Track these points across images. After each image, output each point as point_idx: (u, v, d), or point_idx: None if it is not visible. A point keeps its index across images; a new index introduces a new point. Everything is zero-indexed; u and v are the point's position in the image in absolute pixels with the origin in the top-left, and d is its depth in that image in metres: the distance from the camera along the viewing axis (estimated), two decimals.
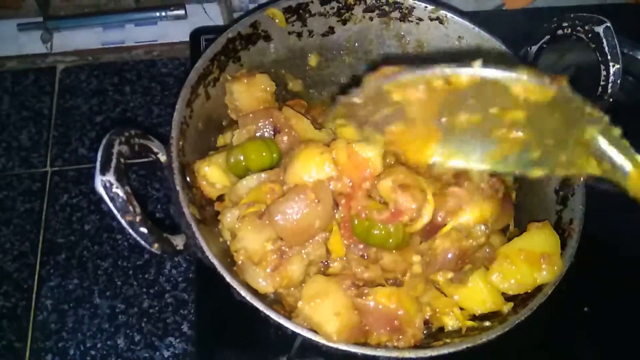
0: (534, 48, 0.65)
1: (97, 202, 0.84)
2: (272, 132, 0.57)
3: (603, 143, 0.43)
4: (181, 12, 0.97)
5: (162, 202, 0.84)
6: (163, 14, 0.97)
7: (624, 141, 0.44)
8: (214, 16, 0.98)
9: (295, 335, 0.51)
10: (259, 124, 0.57)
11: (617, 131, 0.43)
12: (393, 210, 0.51)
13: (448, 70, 0.40)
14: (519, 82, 0.40)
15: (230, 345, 0.69)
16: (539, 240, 0.55)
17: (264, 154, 0.55)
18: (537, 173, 0.46)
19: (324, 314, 0.50)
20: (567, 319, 0.71)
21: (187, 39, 0.93)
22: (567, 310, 0.68)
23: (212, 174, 0.56)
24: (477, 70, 0.40)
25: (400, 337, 0.52)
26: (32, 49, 0.94)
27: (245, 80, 0.61)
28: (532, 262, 0.53)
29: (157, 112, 0.92)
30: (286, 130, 0.56)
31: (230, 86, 0.62)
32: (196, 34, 0.90)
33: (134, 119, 0.91)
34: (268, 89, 0.63)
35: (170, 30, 0.98)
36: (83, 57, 0.95)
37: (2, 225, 0.81)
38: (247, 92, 0.61)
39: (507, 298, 0.54)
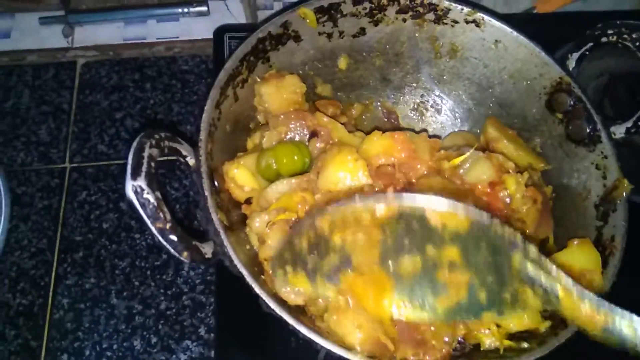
0: (575, 55, 0.63)
1: (116, 200, 0.83)
2: (306, 135, 0.55)
3: (530, 268, 0.41)
4: (204, 8, 0.95)
5: (182, 202, 0.82)
6: (185, 10, 0.95)
7: (544, 260, 0.41)
8: (236, 13, 0.96)
9: (320, 347, 0.50)
10: (291, 126, 0.56)
11: (533, 250, 0.41)
12: None
13: (360, 204, 0.43)
14: (430, 208, 0.41)
15: (251, 352, 0.67)
16: (579, 256, 0.53)
17: (295, 157, 0.53)
18: (487, 318, 0.45)
19: (347, 326, 0.49)
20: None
21: (209, 36, 0.91)
22: None
23: (241, 177, 0.54)
24: (390, 199, 0.42)
25: (426, 352, 0.51)
26: (53, 43, 0.93)
27: (275, 82, 0.59)
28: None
29: (177, 110, 0.90)
30: (322, 134, 0.54)
31: (259, 88, 0.60)
32: (220, 32, 0.88)
33: (154, 117, 0.90)
34: (298, 90, 0.61)
35: (192, 27, 0.96)
36: (104, 52, 0.94)
37: (20, 221, 0.79)
38: (277, 94, 0.59)
39: (546, 316, 0.52)
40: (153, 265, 0.78)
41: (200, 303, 0.76)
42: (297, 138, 0.56)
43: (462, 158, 0.56)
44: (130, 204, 0.42)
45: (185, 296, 0.77)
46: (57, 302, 0.75)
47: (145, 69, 0.94)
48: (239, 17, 0.96)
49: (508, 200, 0.53)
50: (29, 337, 0.73)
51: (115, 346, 0.73)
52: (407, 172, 0.55)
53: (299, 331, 0.46)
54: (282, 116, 0.57)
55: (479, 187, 0.55)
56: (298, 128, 0.56)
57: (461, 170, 0.56)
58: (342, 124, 0.59)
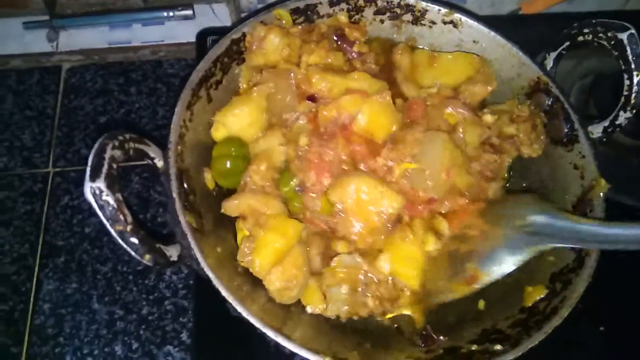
0: (553, 54, 0.62)
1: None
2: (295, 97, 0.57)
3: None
4: (189, 12, 0.95)
5: (165, 206, 0.82)
6: (171, 14, 0.95)
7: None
8: (222, 17, 0.96)
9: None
10: (279, 84, 0.57)
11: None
12: None
13: None
14: None
15: (229, 356, 0.67)
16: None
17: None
18: None
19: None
20: (583, 339, 0.68)
21: (195, 39, 0.91)
22: (582, 330, 0.65)
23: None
24: None
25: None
26: (38, 47, 0.93)
27: (280, 32, 0.60)
28: None
29: (162, 114, 0.90)
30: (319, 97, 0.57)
31: (267, 31, 0.60)
32: (203, 34, 0.88)
33: (139, 121, 0.90)
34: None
35: (177, 31, 0.96)
36: (89, 56, 0.94)
37: (1, 226, 0.79)
38: (281, 46, 0.60)
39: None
40: (135, 270, 0.78)
41: (182, 308, 0.76)
42: (288, 99, 0.57)
43: None
44: (94, 212, 0.42)
45: (167, 301, 0.76)
46: (38, 308, 0.74)
47: (130, 73, 0.93)
48: (224, 20, 0.96)
49: None
50: (9, 343, 0.72)
51: (96, 351, 0.72)
52: None
53: (266, 335, 0.45)
54: (272, 72, 0.58)
55: None
56: (286, 88, 0.57)
57: None
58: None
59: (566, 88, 0.73)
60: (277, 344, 0.47)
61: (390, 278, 0.55)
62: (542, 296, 0.54)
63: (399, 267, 0.54)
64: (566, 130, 0.59)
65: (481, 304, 0.57)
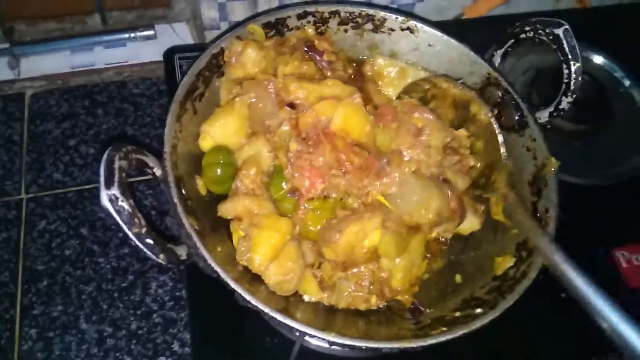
0: (500, 52, 0.70)
1: (76, 226, 0.83)
2: (275, 104, 0.61)
3: None
4: (150, 32, 0.97)
5: (160, 213, 0.83)
6: (132, 35, 0.97)
7: None
8: (183, 35, 1.00)
9: (293, 341, 0.53)
10: (259, 93, 0.60)
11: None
12: None
13: None
14: None
15: (228, 352, 0.69)
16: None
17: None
18: None
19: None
20: (546, 306, 0.75)
21: (158, 58, 0.94)
22: (545, 298, 0.72)
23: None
24: None
25: None
26: None
27: (257, 46, 0.64)
28: None
29: (132, 133, 0.92)
30: (298, 102, 0.61)
31: (245, 46, 0.63)
32: (169, 53, 0.91)
33: (108, 141, 0.91)
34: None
35: (140, 51, 0.98)
36: (52, 81, 0.94)
37: None
38: (257, 59, 0.63)
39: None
40: (120, 287, 0.79)
41: (171, 319, 0.77)
42: (269, 106, 0.61)
43: None
44: (106, 212, 0.44)
45: (155, 314, 0.77)
46: (25, 333, 0.74)
47: (95, 95, 0.95)
48: (186, 38, 0.99)
49: None
50: None
51: None
52: None
53: (274, 318, 0.49)
54: (251, 81, 0.61)
55: None
56: (266, 97, 0.61)
57: None
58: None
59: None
60: (284, 326, 0.50)
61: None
62: (511, 264, 0.60)
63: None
64: (517, 117, 0.66)
65: (458, 277, 0.64)
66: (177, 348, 0.75)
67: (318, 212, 0.58)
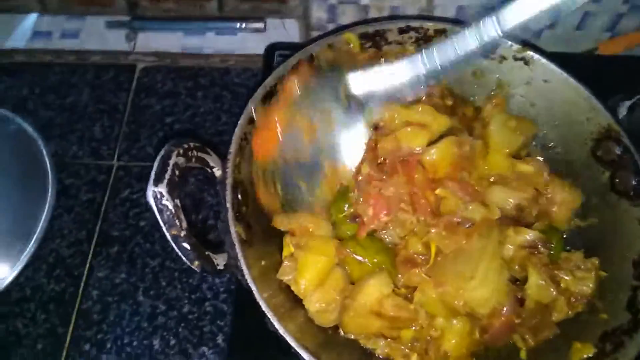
0: (627, 103, 0.60)
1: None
2: None
3: None
4: (261, 25, 0.98)
5: (215, 210, 0.84)
6: (243, 25, 0.98)
7: None
8: (292, 32, 0.99)
9: None
10: None
11: None
12: None
13: None
14: None
15: None
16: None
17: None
18: None
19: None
20: None
21: (263, 52, 0.94)
22: None
23: None
24: None
25: None
26: (116, 45, 0.98)
27: None
28: None
29: (225, 120, 0.93)
30: None
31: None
32: (271, 49, 0.90)
33: (202, 124, 0.93)
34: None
35: (248, 42, 0.99)
36: (162, 58, 0.98)
37: (64, 211, 0.84)
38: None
39: None
40: (181, 268, 0.80)
41: (221, 311, 0.77)
42: None
43: None
44: (149, 208, 0.44)
45: (207, 302, 0.78)
46: (87, 293, 0.78)
47: (199, 78, 0.97)
48: (294, 35, 0.98)
49: None
50: (56, 323, 0.76)
51: (135, 343, 0.75)
52: None
53: (300, 356, 0.45)
54: None
55: None
56: None
57: None
58: None
59: (638, 138, 0.70)
60: None
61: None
62: (590, 355, 0.51)
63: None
64: (634, 183, 0.56)
65: (523, 353, 0.55)
66: (220, 341, 0.75)
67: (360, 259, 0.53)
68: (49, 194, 0.81)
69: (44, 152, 0.85)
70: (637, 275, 0.54)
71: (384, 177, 0.54)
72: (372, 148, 0.57)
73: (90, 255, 0.81)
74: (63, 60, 0.98)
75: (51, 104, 0.93)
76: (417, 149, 0.56)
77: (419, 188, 0.53)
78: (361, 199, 0.54)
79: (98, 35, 0.98)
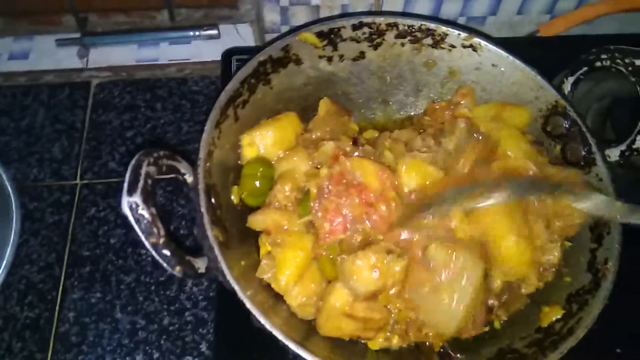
0: (571, 79, 0.63)
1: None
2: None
3: None
4: (214, 32, 0.98)
5: (187, 219, 0.84)
6: (197, 33, 0.98)
7: None
8: (246, 37, 1.00)
9: None
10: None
11: None
12: None
13: None
14: None
15: None
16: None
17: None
18: None
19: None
20: None
21: (219, 58, 0.94)
22: (598, 351, 0.65)
23: None
24: None
25: None
26: (69, 63, 0.96)
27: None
28: None
29: (186, 129, 0.93)
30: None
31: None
32: (228, 54, 0.91)
33: (164, 135, 0.92)
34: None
35: (203, 50, 0.99)
36: (117, 73, 0.97)
37: (30, 236, 0.82)
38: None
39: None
40: (157, 280, 0.80)
41: (202, 319, 0.77)
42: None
43: None
44: (125, 219, 0.44)
45: (187, 312, 0.78)
46: (63, 316, 0.77)
47: (156, 90, 0.97)
48: (248, 40, 0.99)
49: None
50: (34, 350, 0.74)
51: None
52: None
53: (288, 347, 0.46)
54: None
55: None
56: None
57: None
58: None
59: (583, 110, 0.74)
60: (296, 356, 0.48)
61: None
62: (558, 317, 0.54)
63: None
64: (583, 153, 0.60)
65: (497, 323, 0.58)
66: (204, 349, 0.75)
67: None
68: (14, 220, 0.79)
69: (4, 177, 0.83)
70: (594, 238, 0.58)
71: (340, 192, 0.54)
72: (335, 156, 0.57)
73: (62, 278, 0.79)
74: (14, 82, 0.95)
75: (6, 128, 0.91)
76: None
77: (374, 204, 0.54)
78: (319, 214, 0.54)
79: (49, 55, 0.97)
